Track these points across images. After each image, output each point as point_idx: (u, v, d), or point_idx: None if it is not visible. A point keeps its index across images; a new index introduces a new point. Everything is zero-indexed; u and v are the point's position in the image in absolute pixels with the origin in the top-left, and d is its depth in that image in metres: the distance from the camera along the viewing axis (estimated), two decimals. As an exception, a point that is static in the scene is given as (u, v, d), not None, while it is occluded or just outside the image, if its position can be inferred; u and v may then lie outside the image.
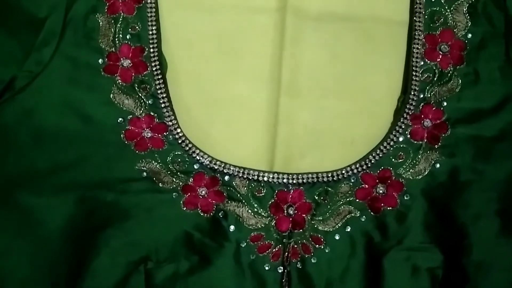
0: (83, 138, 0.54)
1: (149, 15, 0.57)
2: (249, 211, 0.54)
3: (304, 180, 0.55)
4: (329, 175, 0.54)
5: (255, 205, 0.54)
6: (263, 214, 0.54)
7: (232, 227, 0.53)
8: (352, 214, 0.54)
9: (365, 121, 0.57)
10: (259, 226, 0.54)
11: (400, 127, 0.55)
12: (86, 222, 0.54)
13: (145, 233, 0.53)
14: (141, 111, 0.56)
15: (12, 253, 0.53)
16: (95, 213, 0.54)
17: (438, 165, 0.55)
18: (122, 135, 0.55)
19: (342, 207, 0.55)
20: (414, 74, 0.56)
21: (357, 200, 0.54)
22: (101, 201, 0.54)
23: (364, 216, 0.54)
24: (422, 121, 0.55)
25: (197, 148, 0.55)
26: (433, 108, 0.56)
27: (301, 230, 0.54)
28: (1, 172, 0.54)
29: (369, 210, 0.54)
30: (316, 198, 0.55)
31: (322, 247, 0.54)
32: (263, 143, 0.57)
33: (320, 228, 0.54)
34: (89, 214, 0.54)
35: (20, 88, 0.55)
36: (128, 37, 0.57)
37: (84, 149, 0.54)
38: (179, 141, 0.55)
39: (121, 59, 0.56)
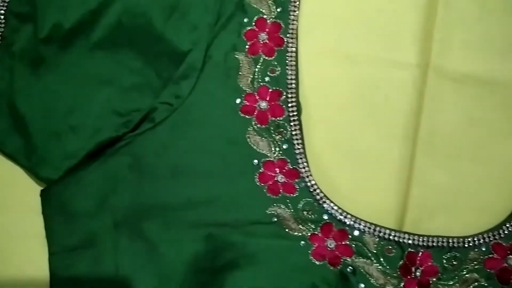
0: (217, 177, 0.55)
1: (288, 59, 0.57)
2: (379, 270, 0.53)
3: (434, 243, 0.54)
4: (460, 241, 0.54)
5: (385, 265, 0.53)
6: (392, 274, 0.53)
7: (362, 285, 0.53)
8: (479, 283, 0.54)
9: (497, 188, 0.56)
10: (388, 287, 0.53)
11: (536, 199, 0.55)
12: (212, 260, 0.53)
13: (272, 279, 0.53)
14: (275, 155, 0.55)
15: (135, 283, 0.53)
16: (222, 252, 0.54)
17: None
18: (256, 177, 0.55)
19: (469, 274, 0.54)
20: (553, 146, 0.56)
21: (486, 269, 0.54)
22: (228, 241, 0.54)
23: (491, 286, 0.53)
24: (558, 196, 0.55)
25: (327, 198, 0.54)
26: None
27: (425, 293, 0.54)
28: (134, 201, 0.54)
29: (497, 281, 0.54)
30: (444, 262, 0.54)
31: (445, 312, 0.54)
32: (394, 200, 0.56)
33: (444, 293, 0.54)
34: (215, 253, 0.54)
35: (160, 121, 0.55)
36: (266, 79, 0.57)
37: (217, 187, 0.54)
38: (311, 189, 0.54)
39: (259, 100, 0.57)
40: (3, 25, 0.58)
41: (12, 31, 0.58)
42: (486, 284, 0.53)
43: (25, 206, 0.56)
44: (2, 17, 0.58)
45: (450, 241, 0.54)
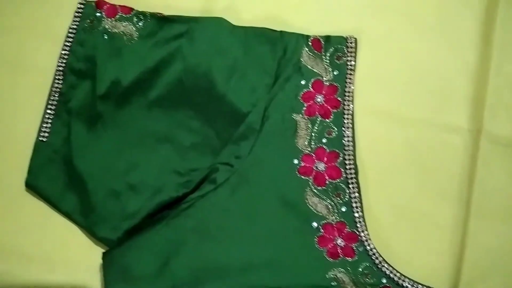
0: (276, 240, 0.55)
1: (345, 121, 0.58)
2: (437, 334, 0.54)
3: (489, 308, 0.55)
4: (514, 305, 0.55)
5: (442, 328, 0.54)
6: (451, 338, 0.54)
7: None
8: None
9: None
10: None
11: None
12: (272, 324, 0.54)
13: None
14: (333, 217, 0.56)
15: None
16: (281, 316, 0.54)
17: None
18: (315, 240, 0.55)
19: None
20: None
21: (540, 334, 0.55)
22: (287, 305, 0.54)
23: None
24: None
25: (386, 262, 0.55)
26: None
27: None
28: (194, 264, 0.53)
29: None
30: (498, 326, 0.55)
31: None
32: (448, 262, 0.57)
33: None
34: (275, 317, 0.54)
35: (221, 183, 0.55)
36: (324, 140, 0.58)
37: (276, 250, 0.54)
38: (370, 253, 0.55)
39: (316, 162, 0.57)
40: (61, 81, 0.58)
41: (69, 87, 0.58)
42: None
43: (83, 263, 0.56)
44: (61, 73, 0.58)
45: (505, 305, 0.55)
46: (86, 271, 0.55)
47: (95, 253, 0.55)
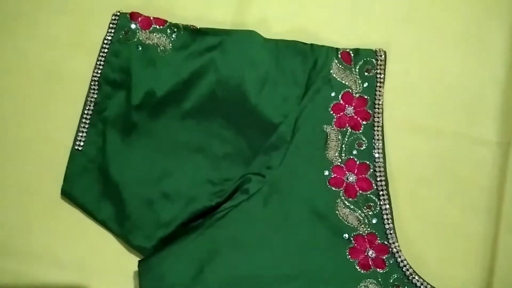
0: (308, 251, 0.55)
1: (375, 133, 0.59)
2: None
3: (521, 322, 0.55)
4: (546, 320, 0.55)
5: None
6: None
7: None
8: None
9: None
10: None
11: None
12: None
13: None
14: (364, 229, 0.56)
15: None
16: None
17: None
18: (347, 252, 0.55)
19: None
20: None
21: None
22: (320, 317, 0.54)
23: None
24: None
25: (417, 274, 0.55)
26: None
27: None
28: (227, 273, 0.53)
29: None
30: None
31: None
32: (478, 275, 0.57)
33: None
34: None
35: (253, 193, 0.56)
36: (354, 152, 0.58)
37: (308, 262, 0.55)
38: (400, 265, 0.55)
39: (347, 173, 0.58)
40: (96, 91, 0.59)
41: (104, 97, 0.59)
42: None
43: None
44: (96, 83, 0.59)
45: (537, 320, 0.55)
46: (120, 279, 0.55)
47: (129, 260, 0.55)
